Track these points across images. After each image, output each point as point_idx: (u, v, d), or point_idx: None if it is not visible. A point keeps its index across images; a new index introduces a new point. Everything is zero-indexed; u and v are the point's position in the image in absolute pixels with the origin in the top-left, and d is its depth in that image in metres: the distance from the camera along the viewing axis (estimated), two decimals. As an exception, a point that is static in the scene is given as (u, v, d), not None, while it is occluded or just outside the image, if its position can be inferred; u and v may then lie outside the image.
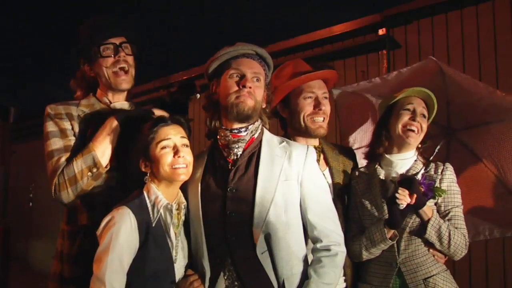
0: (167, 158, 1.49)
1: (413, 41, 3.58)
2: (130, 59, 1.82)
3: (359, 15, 3.92)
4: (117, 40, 1.79)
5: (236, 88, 1.59)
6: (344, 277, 1.84)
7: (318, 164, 1.88)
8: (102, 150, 1.63)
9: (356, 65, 3.89)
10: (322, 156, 1.97)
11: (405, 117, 1.83)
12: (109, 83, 1.79)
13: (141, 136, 1.55)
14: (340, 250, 1.57)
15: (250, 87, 1.58)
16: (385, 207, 1.78)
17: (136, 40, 1.85)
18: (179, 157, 1.49)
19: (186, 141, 1.54)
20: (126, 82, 1.80)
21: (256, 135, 1.64)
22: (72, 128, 1.73)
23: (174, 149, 1.50)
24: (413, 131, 1.81)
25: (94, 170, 1.62)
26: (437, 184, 1.79)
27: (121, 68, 1.79)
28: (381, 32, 3.72)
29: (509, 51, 3.11)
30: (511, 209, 2.14)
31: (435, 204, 1.81)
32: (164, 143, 1.49)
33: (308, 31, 4.26)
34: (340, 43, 4.07)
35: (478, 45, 3.25)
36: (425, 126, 1.85)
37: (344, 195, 1.94)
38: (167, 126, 1.53)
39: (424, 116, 1.85)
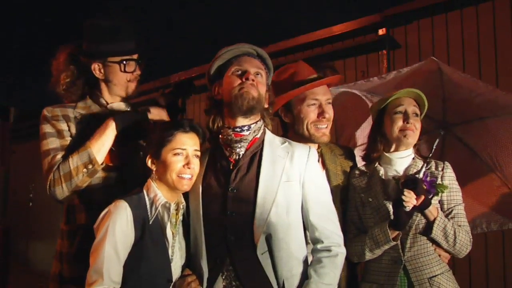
0: (176, 166, 1.51)
1: (413, 41, 3.58)
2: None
3: (359, 15, 3.92)
4: (135, 57, 1.83)
5: (239, 81, 1.59)
6: None
7: None
8: (98, 147, 1.65)
9: (356, 65, 3.89)
10: (320, 159, 1.93)
11: (399, 122, 1.84)
12: (122, 87, 1.84)
13: (156, 133, 1.56)
14: (340, 251, 1.57)
15: (253, 80, 1.59)
16: (388, 205, 1.79)
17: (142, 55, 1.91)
18: (188, 168, 1.52)
19: (198, 152, 1.57)
20: (135, 86, 1.89)
21: (258, 135, 1.64)
22: (69, 130, 1.74)
23: (186, 160, 1.52)
24: (409, 131, 1.83)
25: (90, 166, 1.63)
26: (439, 181, 1.81)
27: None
28: (381, 32, 3.72)
29: (509, 51, 3.11)
30: (506, 202, 2.18)
31: (438, 202, 1.82)
32: (178, 151, 1.52)
33: (308, 31, 4.26)
34: (340, 43, 4.06)
35: (478, 45, 3.24)
36: (418, 125, 1.86)
37: (342, 197, 1.92)
38: (185, 133, 1.54)
39: (416, 115, 1.86)
